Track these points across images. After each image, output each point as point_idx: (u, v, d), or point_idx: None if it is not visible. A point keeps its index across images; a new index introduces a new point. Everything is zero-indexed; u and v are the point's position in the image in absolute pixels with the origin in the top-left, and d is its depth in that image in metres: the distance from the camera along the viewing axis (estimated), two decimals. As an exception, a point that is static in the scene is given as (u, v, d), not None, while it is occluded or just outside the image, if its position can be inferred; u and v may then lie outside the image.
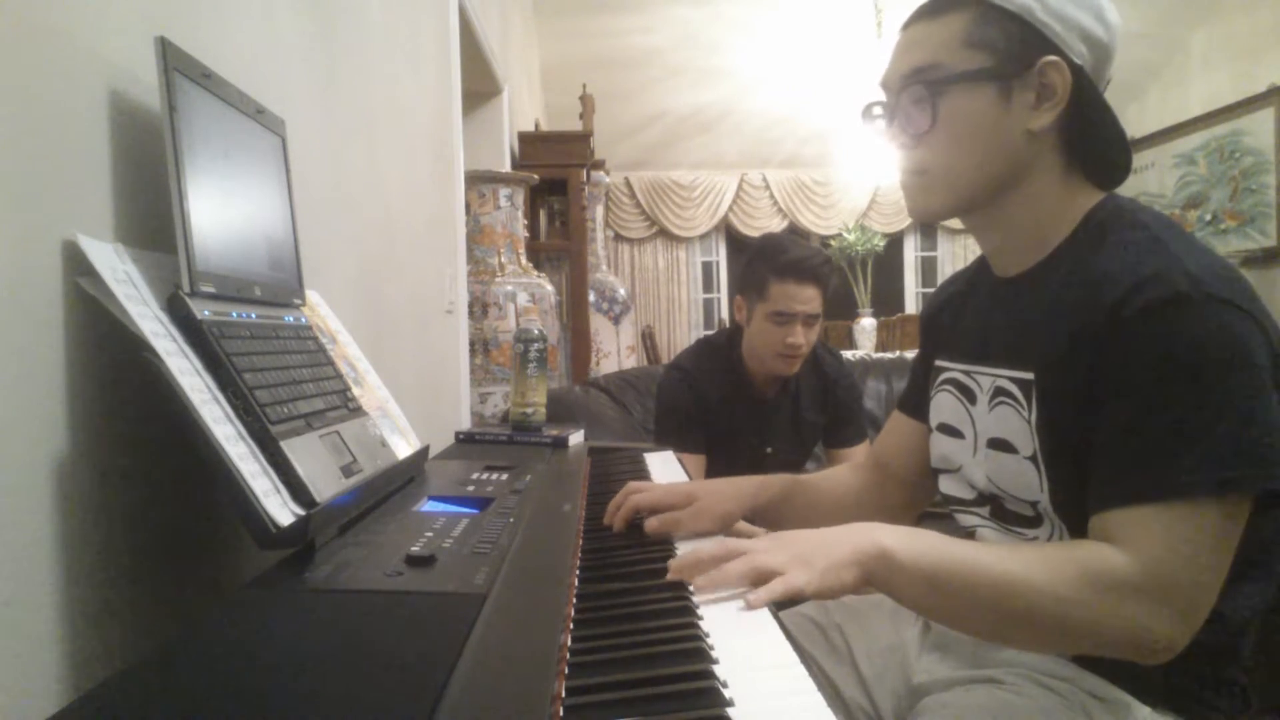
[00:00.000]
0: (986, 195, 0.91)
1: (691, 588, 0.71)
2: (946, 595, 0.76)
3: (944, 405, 1.01)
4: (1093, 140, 0.88)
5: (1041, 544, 0.85)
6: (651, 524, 0.92)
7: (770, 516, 1.09)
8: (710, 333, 2.20)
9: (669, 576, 0.73)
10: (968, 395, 0.97)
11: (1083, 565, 0.74)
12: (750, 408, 1.94)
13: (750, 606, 0.69)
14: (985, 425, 0.93)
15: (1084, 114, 0.87)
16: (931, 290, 7.89)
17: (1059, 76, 0.85)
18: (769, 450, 1.95)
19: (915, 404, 1.11)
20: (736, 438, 1.93)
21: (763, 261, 1.83)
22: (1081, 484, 0.80)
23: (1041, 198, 0.89)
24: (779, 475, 1.13)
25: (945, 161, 0.90)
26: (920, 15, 0.91)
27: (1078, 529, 0.83)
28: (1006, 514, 0.92)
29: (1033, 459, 0.86)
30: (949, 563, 0.75)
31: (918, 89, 0.89)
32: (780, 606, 1.08)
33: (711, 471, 1.91)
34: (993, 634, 0.84)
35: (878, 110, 0.95)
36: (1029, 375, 0.86)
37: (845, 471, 1.19)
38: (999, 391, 0.91)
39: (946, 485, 1.02)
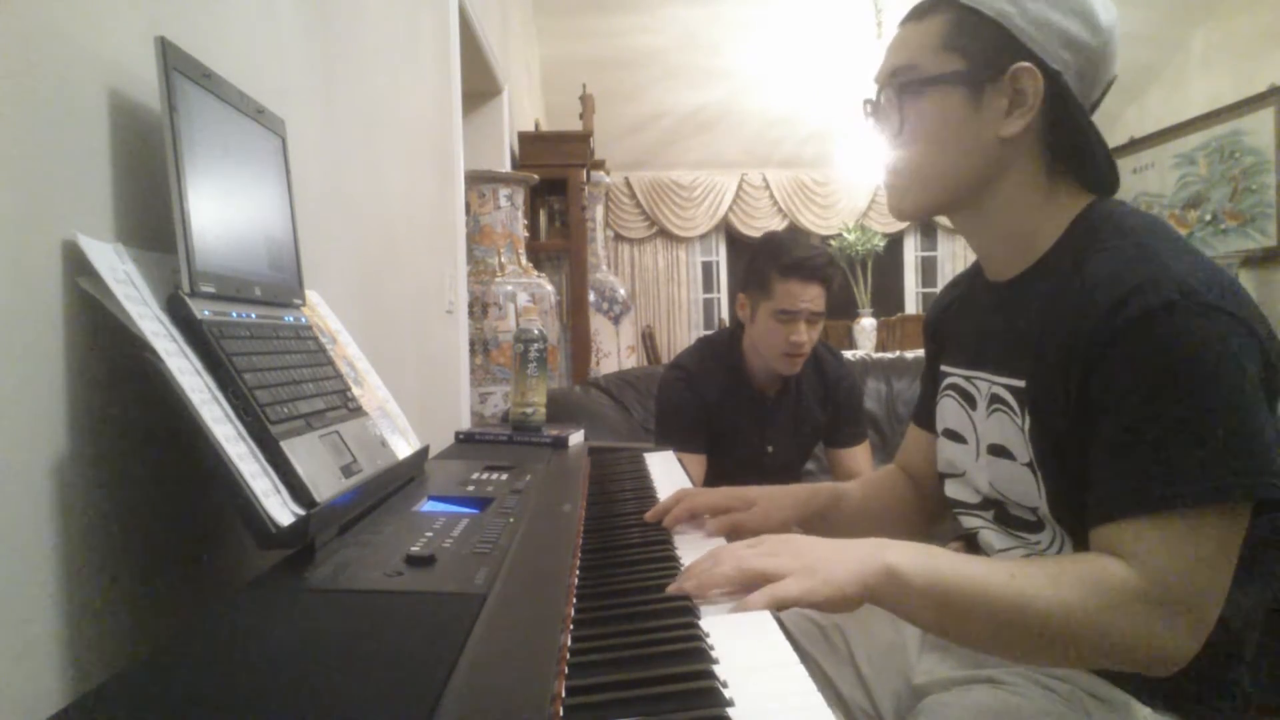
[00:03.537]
0: (959, 198, 0.91)
1: (682, 591, 0.70)
2: (957, 615, 0.75)
3: (948, 410, 1.01)
4: (1072, 148, 0.88)
5: (1048, 559, 0.84)
6: (712, 526, 0.94)
7: (819, 523, 1.11)
8: (710, 332, 2.19)
9: (669, 589, 0.71)
10: (968, 400, 0.97)
11: (1090, 581, 0.73)
12: (751, 407, 1.94)
13: (744, 609, 0.68)
14: (985, 431, 0.93)
15: (1062, 122, 0.86)
16: (932, 290, 7.90)
17: (1031, 83, 0.84)
18: (769, 449, 1.95)
19: (926, 416, 1.11)
20: (737, 437, 1.92)
21: (767, 259, 1.82)
22: (1078, 491, 0.80)
23: (1021, 202, 0.89)
24: (826, 484, 1.16)
25: (915, 162, 0.91)
26: (910, 15, 0.92)
27: (1078, 535, 0.83)
28: (1010, 519, 0.92)
29: (1029, 466, 0.86)
30: (958, 582, 0.74)
31: (890, 90, 0.91)
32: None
33: (712, 471, 1.91)
34: (1004, 652, 0.82)
35: (868, 107, 0.96)
36: (1021, 383, 0.86)
37: (885, 478, 1.20)
38: (995, 398, 0.91)
39: (952, 490, 1.02)
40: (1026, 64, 0.84)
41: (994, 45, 0.85)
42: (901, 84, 0.89)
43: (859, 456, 2.00)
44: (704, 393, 1.91)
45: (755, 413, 1.94)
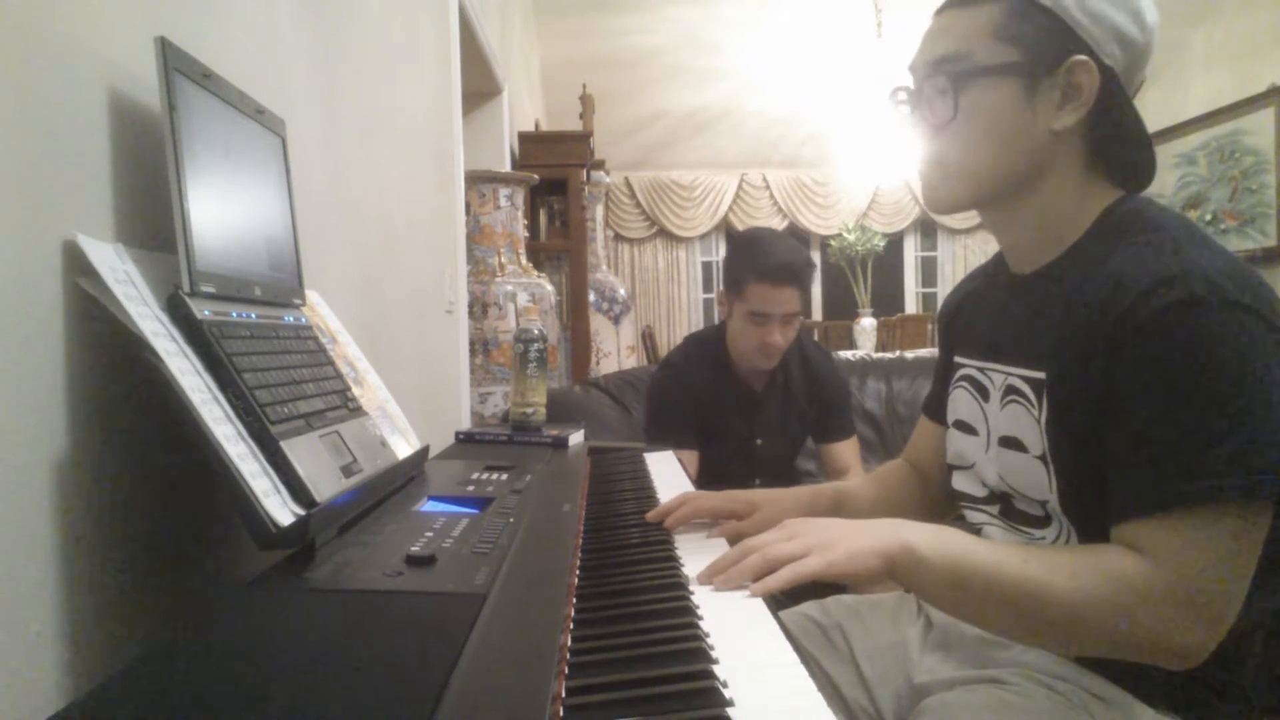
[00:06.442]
0: (1003, 191, 0.90)
1: (702, 587, 0.73)
2: (969, 594, 0.77)
3: (960, 402, 1.01)
4: (1118, 143, 0.88)
5: (1067, 548, 0.85)
6: (716, 532, 0.96)
7: None
8: (698, 330, 2.22)
9: (700, 580, 0.75)
10: (982, 392, 0.97)
11: (1107, 572, 0.74)
12: (739, 400, 1.97)
13: (764, 591, 0.71)
14: (997, 422, 0.93)
15: (1110, 117, 0.86)
16: (932, 290, 7.84)
17: (1087, 77, 0.83)
18: (759, 441, 1.98)
19: (937, 407, 1.11)
20: (727, 430, 1.96)
21: (742, 261, 1.84)
22: (1090, 485, 0.80)
23: (1060, 196, 0.89)
24: (829, 484, 1.17)
25: (964, 154, 0.89)
26: (954, 2, 0.90)
27: (1087, 530, 0.83)
28: (1015, 513, 0.92)
29: (1042, 458, 0.86)
30: (972, 563, 0.76)
31: (941, 79, 0.88)
32: (798, 597, 1.10)
33: (703, 464, 1.94)
34: (1014, 634, 0.84)
35: (902, 96, 0.95)
36: (1040, 375, 0.86)
37: (889, 475, 1.20)
38: (1010, 389, 0.91)
39: (959, 482, 1.02)
40: (1083, 57, 0.83)
41: (1049, 37, 0.84)
42: (954, 72, 0.87)
43: (847, 450, 2.04)
44: (693, 387, 1.94)
45: (743, 405, 1.97)
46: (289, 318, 0.85)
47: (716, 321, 2.05)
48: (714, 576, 0.75)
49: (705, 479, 1.84)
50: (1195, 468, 0.72)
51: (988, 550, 0.78)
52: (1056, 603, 0.74)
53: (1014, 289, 0.96)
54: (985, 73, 0.86)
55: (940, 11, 0.92)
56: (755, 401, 1.98)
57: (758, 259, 1.80)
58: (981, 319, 1.03)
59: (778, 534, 0.79)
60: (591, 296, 4.09)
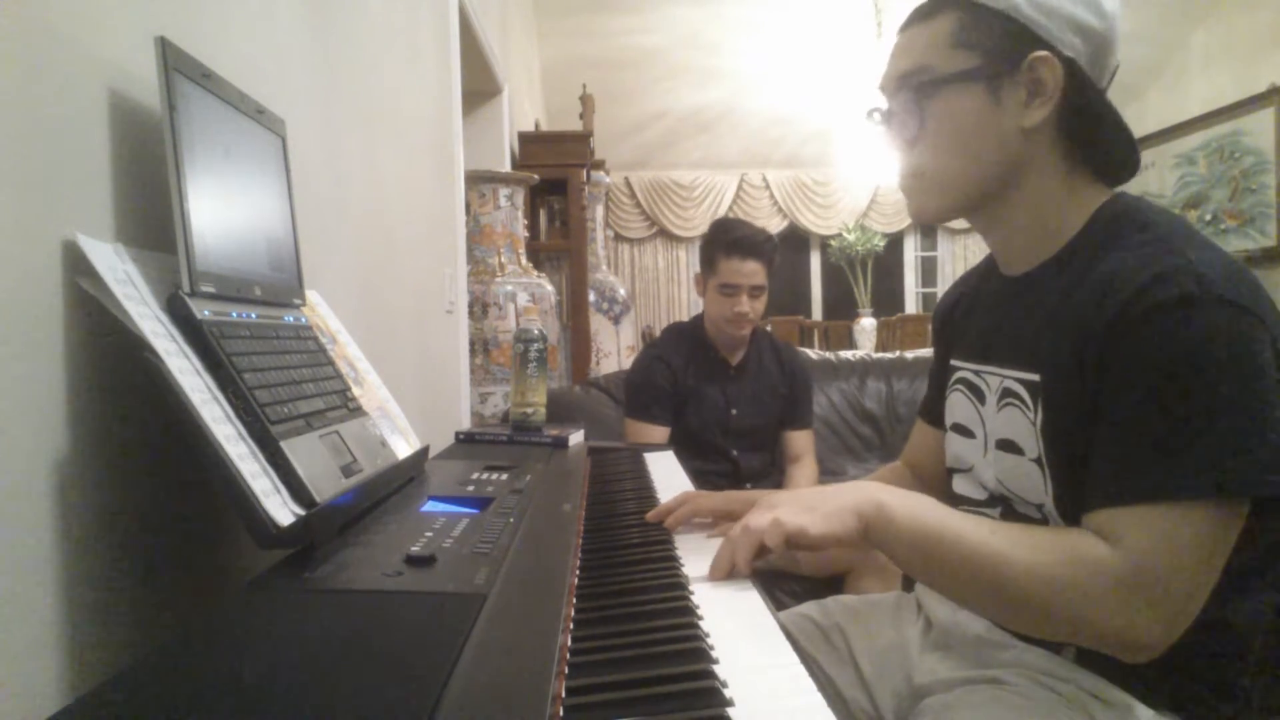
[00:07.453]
0: (985, 195, 0.91)
1: (702, 587, 0.76)
2: (932, 559, 0.80)
3: (957, 405, 1.01)
4: (1093, 135, 0.88)
5: (1037, 526, 0.86)
6: (716, 532, 0.97)
7: None
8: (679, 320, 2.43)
9: (710, 577, 0.79)
10: (977, 395, 0.97)
11: (1068, 552, 0.75)
12: (715, 372, 2.17)
13: (760, 561, 0.77)
14: (994, 426, 0.93)
15: (1081, 108, 0.86)
16: (932, 290, 7.83)
17: (1049, 72, 0.84)
18: (734, 412, 2.15)
19: (934, 411, 1.11)
20: (703, 400, 2.14)
21: (713, 241, 2.12)
22: (1085, 488, 0.80)
23: (1043, 195, 0.89)
24: (829, 486, 1.18)
25: (939, 163, 0.90)
26: (913, 19, 0.92)
27: None
28: (1016, 516, 0.92)
29: (1038, 461, 0.86)
30: (939, 528, 0.79)
31: (906, 93, 0.90)
32: (799, 597, 1.10)
33: (682, 435, 2.10)
34: (974, 605, 0.87)
35: (877, 115, 0.96)
36: (1035, 377, 0.86)
37: (887, 477, 1.21)
38: (1006, 392, 0.91)
39: (960, 485, 1.02)
40: (1043, 53, 0.84)
41: (1006, 37, 0.85)
42: (917, 85, 0.88)
43: (805, 440, 2.24)
44: (670, 363, 2.14)
45: (719, 377, 2.16)
46: (289, 318, 0.85)
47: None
48: (717, 574, 0.79)
49: (684, 447, 1.97)
50: (1172, 463, 0.72)
51: (956, 518, 0.81)
52: (1013, 574, 0.75)
53: (1006, 291, 0.96)
54: (947, 81, 0.87)
55: (903, 29, 0.93)
56: (731, 375, 2.17)
57: (725, 238, 2.08)
58: (975, 321, 1.03)
59: (758, 507, 0.83)
60: (591, 296, 4.09)
